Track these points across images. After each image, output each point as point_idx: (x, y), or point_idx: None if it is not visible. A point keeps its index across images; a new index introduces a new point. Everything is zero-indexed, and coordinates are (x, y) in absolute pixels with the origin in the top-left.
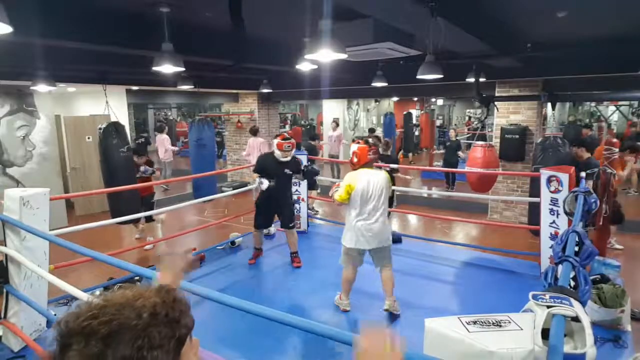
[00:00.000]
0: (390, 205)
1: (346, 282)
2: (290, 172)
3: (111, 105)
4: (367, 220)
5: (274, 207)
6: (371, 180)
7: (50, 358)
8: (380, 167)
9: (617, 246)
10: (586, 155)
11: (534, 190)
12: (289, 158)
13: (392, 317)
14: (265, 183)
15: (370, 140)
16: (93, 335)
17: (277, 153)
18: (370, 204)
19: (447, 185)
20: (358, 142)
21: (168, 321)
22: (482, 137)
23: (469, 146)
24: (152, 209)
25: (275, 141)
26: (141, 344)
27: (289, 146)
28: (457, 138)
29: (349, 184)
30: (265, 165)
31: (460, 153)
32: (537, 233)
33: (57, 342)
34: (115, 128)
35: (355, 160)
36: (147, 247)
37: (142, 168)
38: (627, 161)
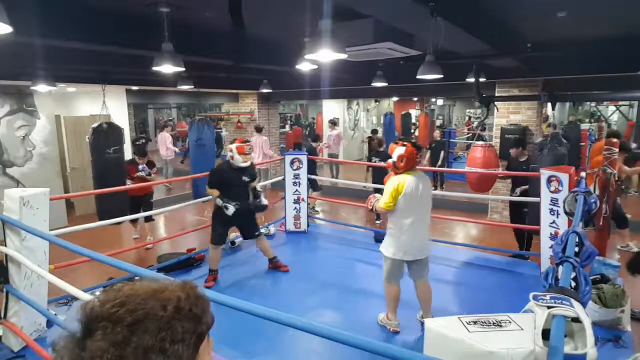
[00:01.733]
0: None
1: (394, 299)
2: (249, 180)
3: (111, 105)
4: (417, 228)
5: (234, 219)
6: (421, 185)
7: (72, 338)
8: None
9: (636, 249)
10: (524, 157)
11: (532, 190)
12: (249, 163)
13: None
14: (231, 208)
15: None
16: (119, 322)
17: (237, 158)
18: (421, 210)
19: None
20: (404, 144)
21: (191, 316)
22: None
23: (468, 146)
24: (151, 208)
25: (234, 146)
26: (164, 336)
27: (250, 148)
28: (443, 139)
29: (396, 187)
30: (222, 177)
31: (441, 154)
32: (536, 233)
33: (81, 324)
34: (103, 129)
35: (401, 163)
36: (148, 246)
37: (140, 167)
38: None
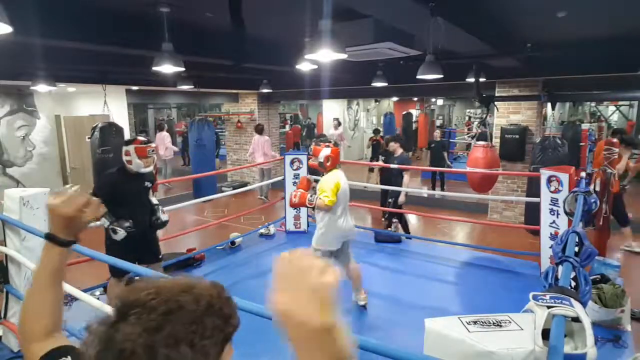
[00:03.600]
0: (394, 205)
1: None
2: (150, 185)
3: (111, 105)
4: (348, 218)
5: (129, 243)
6: (345, 180)
7: (106, 320)
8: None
9: (637, 249)
10: (400, 150)
11: (532, 190)
12: (151, 167)
13: (394, 318)
14: (121, 232)
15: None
16: (154, 310)
17: (137, 163)
18: (346, 200)
19: (431, 187)
20: (328, 145)
21: (221, 315)
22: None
23: (468, 146)
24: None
25: (132, 147)
26: (195, 329)
27: (153, 150)
28: (443, 139)
29: (337, 184)
30: (114, 188)
31: (445, 155)
32: (535, 233)
33: (116, 308)
34: (105, 129)
35: (328, 163)
36: None
37: None
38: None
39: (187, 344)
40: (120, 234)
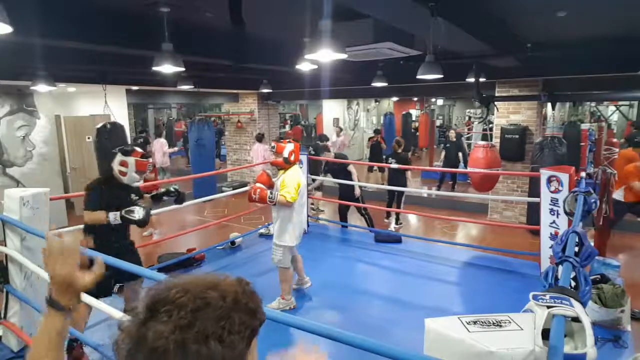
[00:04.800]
0: (399, 205)
1: (289, 281)
2: (136, 199)
3: (111, 105)
4: (303, 212)
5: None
6: (303, 176)
7: (137, 319)
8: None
9: None
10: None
11: (533, 190)
12: (142, 181)
13: (394, 318)
14: (139, 210)
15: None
16: (183, 307)
17: (132, 176)
18: (304, 198)
19: (438, 187)
20: (290, 141)
21: (247, 310)
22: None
23: (468, 146)
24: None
25: (131, 160)
26: (224, 325)
27: (152, 165)
28: (459, 139)
29: (298, 181)
30: (111, 199)
31: (460, 155)
32: (536, 233)
33: (146, 306)
34: (107, 129)
35: (292, 158)
36: (145, 233)
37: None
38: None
39: (216, 339)
40: (139, 211)
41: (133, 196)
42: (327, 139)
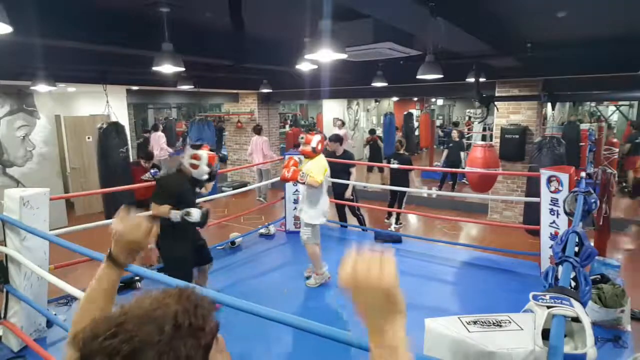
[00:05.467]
0: (400, 205)
1: (319, 256)
2: (199, 191)
3: (111, 105)
4: (327, 198)
5: (196, 247)
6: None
7: None
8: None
9: None
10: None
11: (530, 190)
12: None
13: None
14: (196, 212)
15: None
16: (115, 354)
17: (203, 169)
18: (329, 184)
19: (439, 187)
20: (317, 133)
21: (192, 331)
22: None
23: (469, 146)
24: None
25: (203, 153)
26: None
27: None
28: (461, 139)
29: (324, 167)
30: (182, 191)
31: (462, 155)
32: (534, 233)
33: (80, 354)
34: (115, 128)
35: (319, 148)
36: None
37: (152, 171)
38: None
39: None
40: (195, 213)
41: (197, 189)
42: (341, 139)
